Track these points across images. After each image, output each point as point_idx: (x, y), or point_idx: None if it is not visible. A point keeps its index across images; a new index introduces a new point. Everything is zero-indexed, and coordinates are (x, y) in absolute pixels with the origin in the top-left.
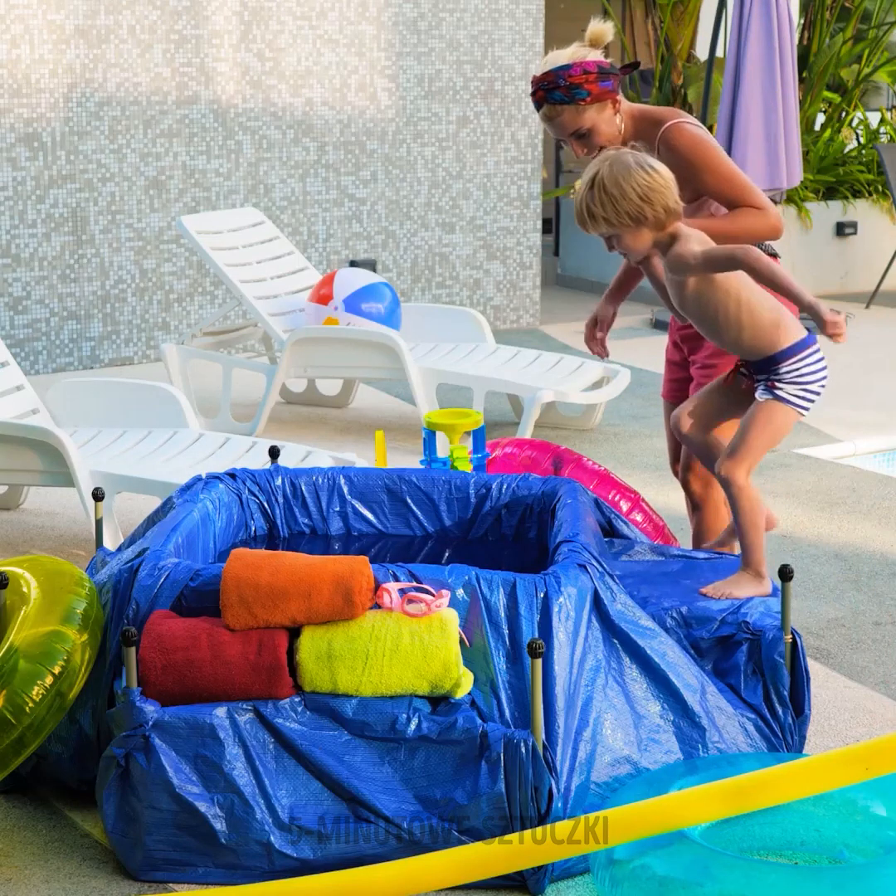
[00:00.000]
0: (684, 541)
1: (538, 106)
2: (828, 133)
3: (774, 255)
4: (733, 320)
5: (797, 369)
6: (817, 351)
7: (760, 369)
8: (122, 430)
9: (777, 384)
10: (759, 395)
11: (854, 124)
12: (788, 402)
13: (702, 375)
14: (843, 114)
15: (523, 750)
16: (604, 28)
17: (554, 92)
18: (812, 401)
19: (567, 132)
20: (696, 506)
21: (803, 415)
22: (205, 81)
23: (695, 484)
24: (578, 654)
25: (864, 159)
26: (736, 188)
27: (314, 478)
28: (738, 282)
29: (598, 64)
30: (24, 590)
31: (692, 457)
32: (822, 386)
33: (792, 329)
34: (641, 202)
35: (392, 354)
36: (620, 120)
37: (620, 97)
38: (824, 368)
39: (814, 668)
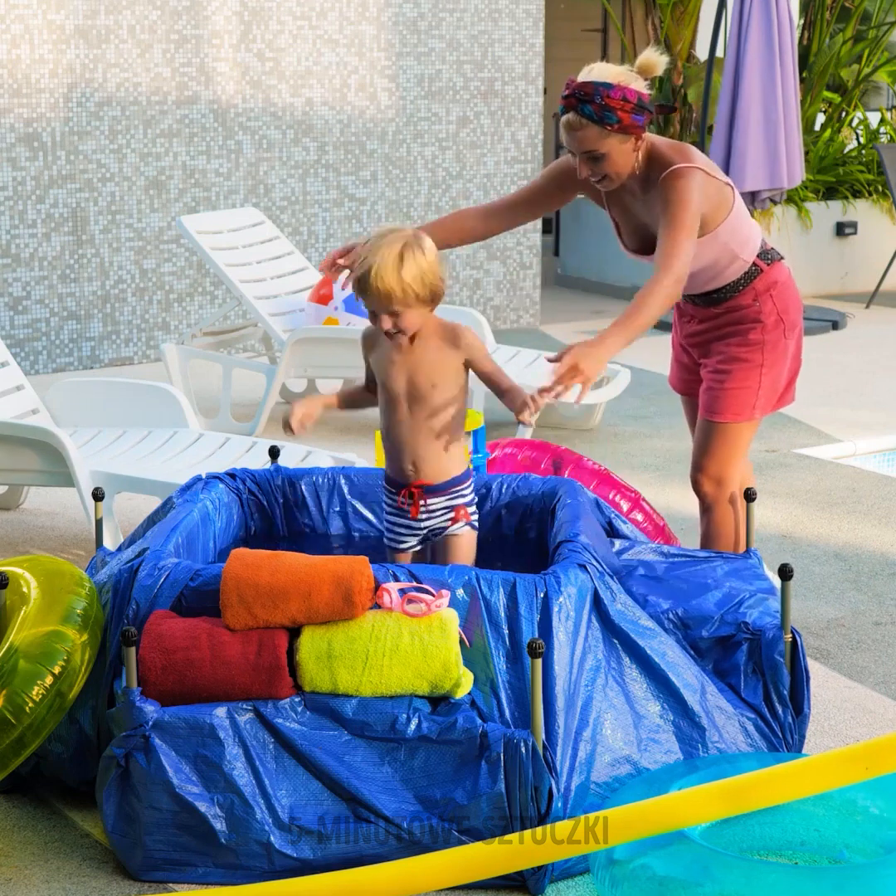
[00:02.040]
0: (685, 540)
1: (563, 111)
2: (828, 133)
3: (780, 259)
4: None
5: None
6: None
7: None
8: (122, 430)
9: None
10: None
11: (854, 124)
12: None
13: (713, 379)
14: (843, 114)
15: (523, 750)
16: (657, 60)
17: (586, 105)
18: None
19: (582, 149)
20: (706, 507)
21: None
22: (205, 81)
23: (706, 485)
24: (578, 654)
25: (864, 159)
26: (664, 245)
27: (314, 478)
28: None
29: (639, 95)
30: (24, 590)
31: (702, 457)
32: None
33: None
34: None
35: None
36: (638, 157)
37: (646, 135)
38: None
39: (814, 667)
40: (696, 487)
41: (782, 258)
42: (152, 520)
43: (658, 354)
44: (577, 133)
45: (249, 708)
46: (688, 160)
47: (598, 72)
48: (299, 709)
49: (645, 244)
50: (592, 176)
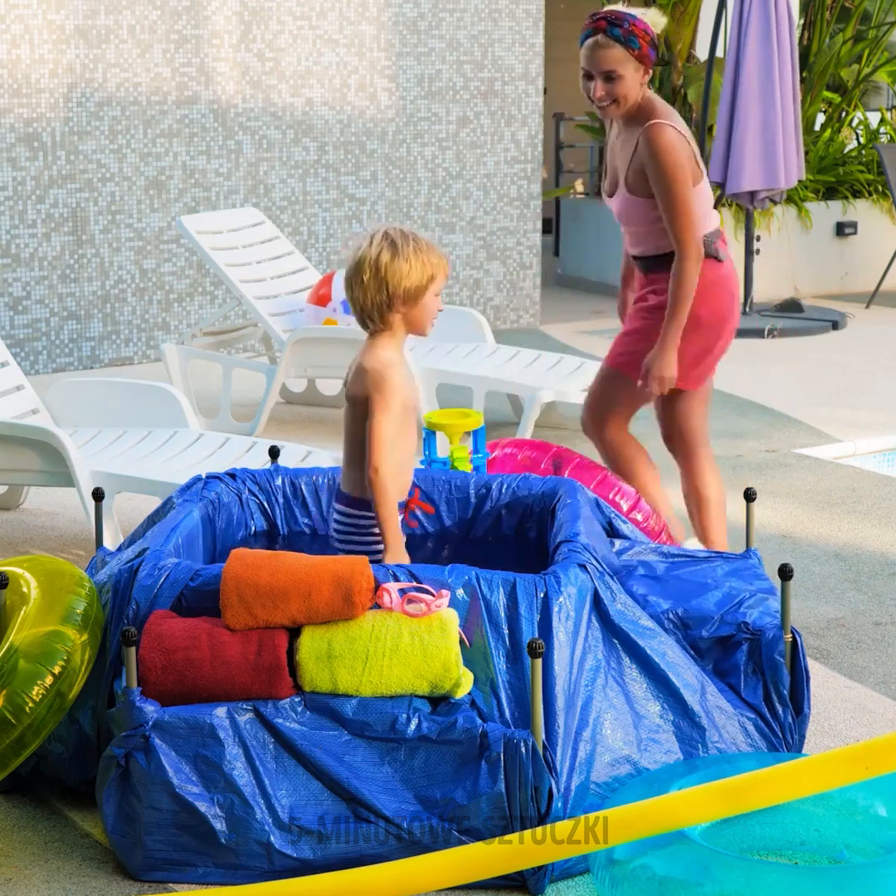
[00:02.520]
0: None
1: (592, 33)
2: (828, 133)
3: (719, 260)
4: None
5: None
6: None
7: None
8: (122, 430)
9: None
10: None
11: (854, 124)
12: None
13: (629, 343)
14: (843, 114)
15: (523, 750)
16: (660, 20)
17: (616, 28)
18: None
19: (603, 67)
20: (682, 463)
21: None
22: (205, 81)
23: (675, 439)
24: (578, 653)
25: (864, 159)
26: (672, 213)
27: (314, 478)
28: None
29: (654, 34)
30: (24, 590)
31: (661, 418)
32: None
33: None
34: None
35: None
36: (641, 92)
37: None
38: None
39: (814, 668)
40: (667, 444)
41: (722, 261)
42: (152, 520)
43: None
44: (602, 52)
45: (249, 708)
46: (671, 120)
47: (618, 8)
48: (299, 709)
49: (612, 187)
50: (605, 97)
